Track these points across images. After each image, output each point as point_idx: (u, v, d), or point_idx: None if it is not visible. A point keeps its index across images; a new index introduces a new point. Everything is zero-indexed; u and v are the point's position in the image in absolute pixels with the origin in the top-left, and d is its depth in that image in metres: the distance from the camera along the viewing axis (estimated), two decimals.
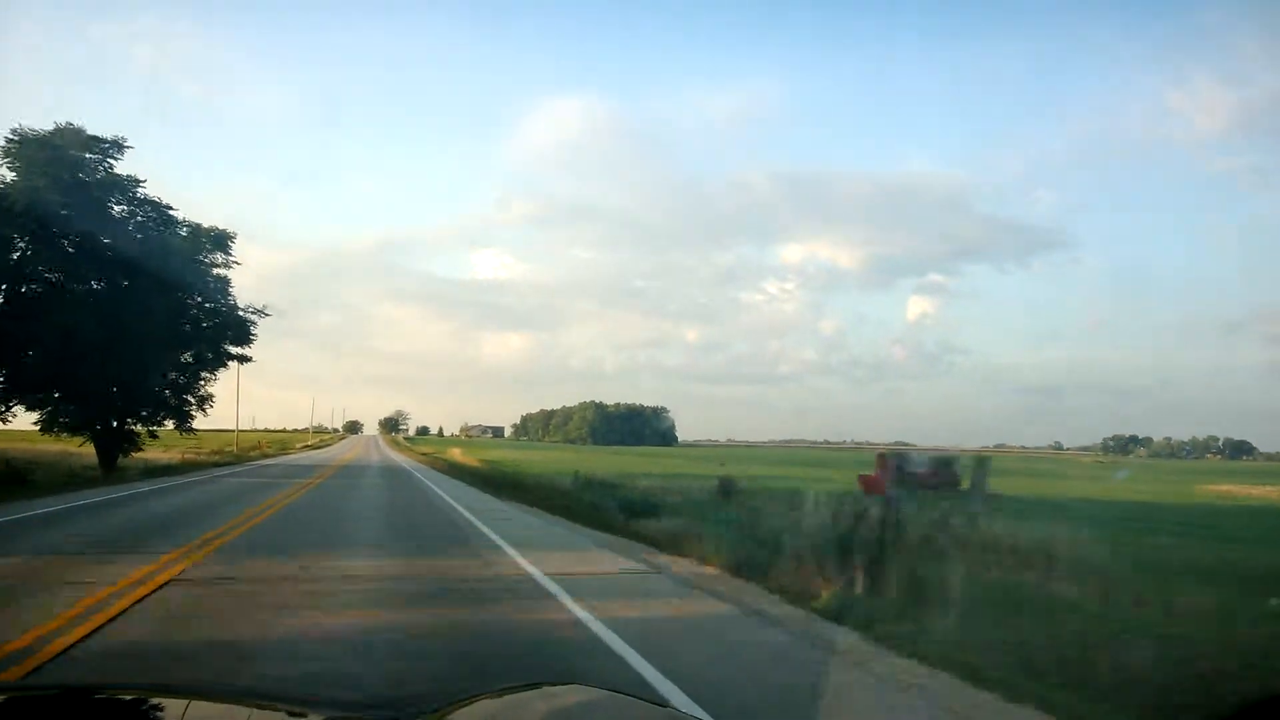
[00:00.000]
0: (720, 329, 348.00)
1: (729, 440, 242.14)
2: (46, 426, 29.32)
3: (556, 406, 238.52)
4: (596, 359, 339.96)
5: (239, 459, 46.72)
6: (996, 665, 5.42)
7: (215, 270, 32.51)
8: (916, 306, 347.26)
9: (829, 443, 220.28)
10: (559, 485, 27.22)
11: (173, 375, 32.54)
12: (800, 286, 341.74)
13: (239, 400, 73.91)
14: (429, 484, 27.05)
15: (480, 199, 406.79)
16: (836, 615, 7.03)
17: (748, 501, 21.95)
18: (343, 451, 79.25)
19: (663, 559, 10.63)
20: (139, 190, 28.19)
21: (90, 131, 25.89)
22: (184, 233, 31.53)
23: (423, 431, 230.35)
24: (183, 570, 8.74)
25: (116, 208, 27.69)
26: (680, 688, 4.93)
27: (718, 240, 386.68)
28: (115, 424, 30.90)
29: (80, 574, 8.33)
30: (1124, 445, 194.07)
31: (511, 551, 10.88)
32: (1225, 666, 5.57)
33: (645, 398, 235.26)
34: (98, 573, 8.35)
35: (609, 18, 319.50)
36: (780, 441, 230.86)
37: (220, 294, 32.90)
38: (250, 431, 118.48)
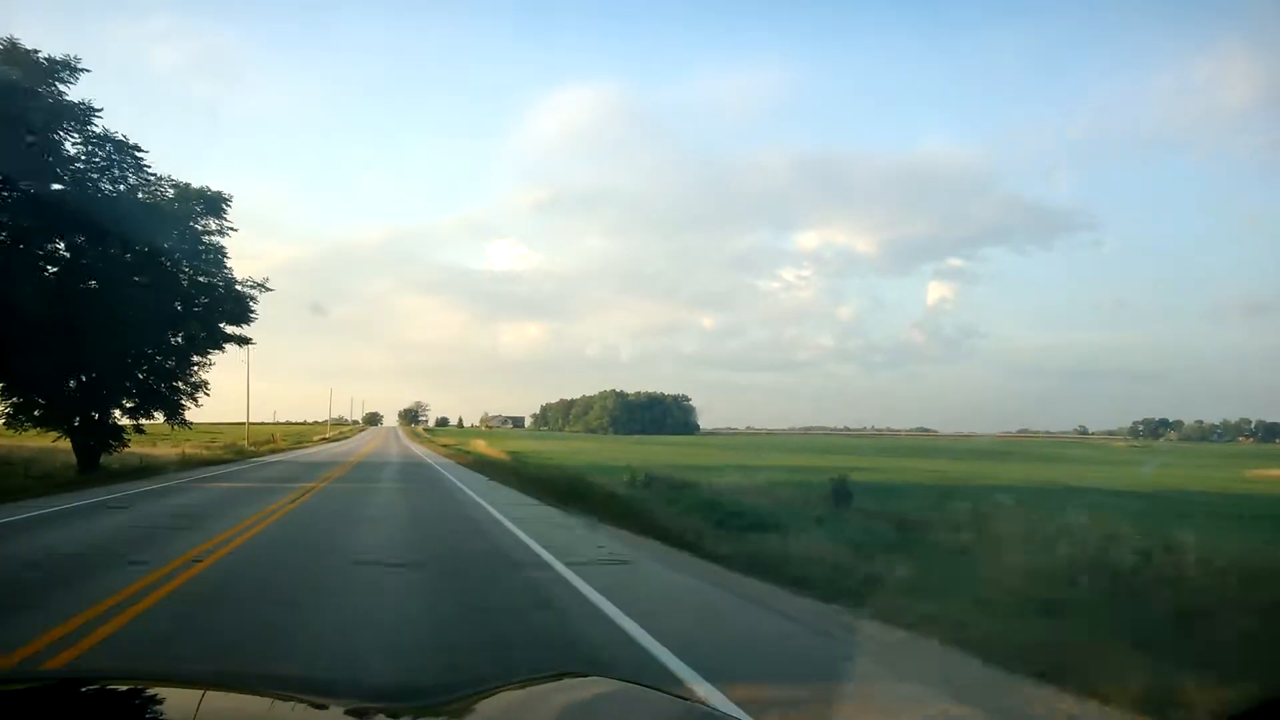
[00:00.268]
0: (737, 315, 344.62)
1: (748, 428, 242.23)
2: (11, 421, 25.22)
3: (574, 396, 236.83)
4: (612, 347, 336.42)
5: (243, 454, 42.31)
6: None
7: (208, 238, 28.20)
8: (936, 291, 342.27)
9: (849, 429, 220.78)
10: (612, 484, 22.82)
11: (159, 359, 28.21)
12: (817, 272, 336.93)
13: (249, 391, 69.74)
14: (462, 487, 22.22)
15: (493, 189, 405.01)
16: None
17: (870, 508, 17.32)
18: (360, 445, 75.23)
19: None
20: (95, 122, 22.47)
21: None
22: (170, 193, 27.24)
23: (442, 423, 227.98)
24: None
25: (70, 145, 22.52)
26: None
27: (734, 226, 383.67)
28: (95, 417, 26.75)
29: None
30: (1154, 429, 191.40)
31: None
32: None
33: (661, 385, 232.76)
34: None
35: (619, 1, 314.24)
36: (800, 429, 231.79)
37: (214, 265, 28.55)
38: (265, 424, 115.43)
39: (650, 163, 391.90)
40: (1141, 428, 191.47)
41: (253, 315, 29.73)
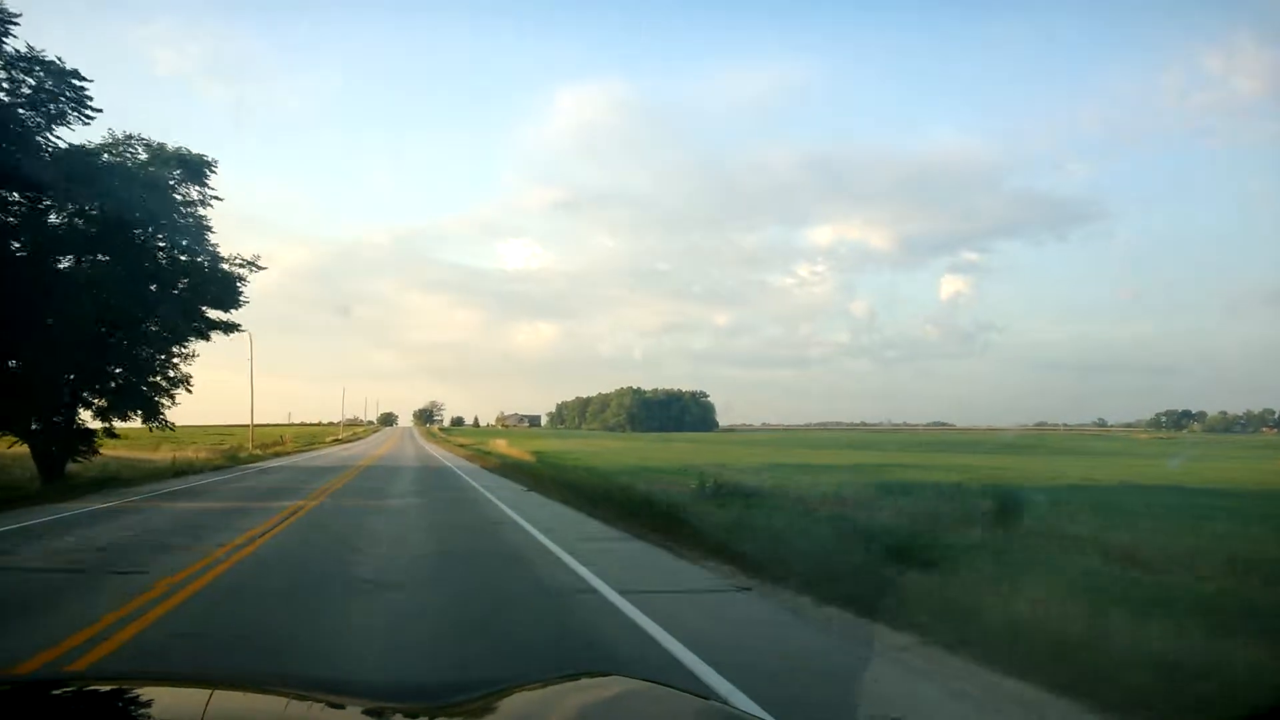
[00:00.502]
0: (749, 312, 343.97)
1: (764, 425, 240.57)
2: None
3: (589, 393, 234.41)
4: (625, 345, 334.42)
5: (237, 460, 37.94)
6: None
7: (189, 210, 24.01)
8: (950, 285, 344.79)
9: (866, 424, 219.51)
10: (673, 491, 18.53)
11: (132, 350, 24.05)
12: (831, 268, 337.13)
13: (253, 392, 65.66)
14: (497, 503, 16.94)
15: (504, 188, 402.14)
16: None
17: (1035, 526, 12.82)
18: (373, 446, 71.16)
19: None
20: (12, 34, 17.48)
21: None
22: (142, 155, 23.08)
23: (457, 422, 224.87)
24: None
25: None
26: None
27: (746, 222, 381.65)
28: (57, 420, 22.69)
29: None
30: (1176, 420, 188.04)
31: None
32: None
33: (674, 383, 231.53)
34: None
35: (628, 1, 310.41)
36: (816, 424, 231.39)
37: (195, 240, 24.37)
38: (275, 426, 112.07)
39: (661, 160, 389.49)
40: (1164, 420, 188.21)
41: (242, 299, 25.54)
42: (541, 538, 11.52)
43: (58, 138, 19.12)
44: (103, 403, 23.75)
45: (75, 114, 18.94)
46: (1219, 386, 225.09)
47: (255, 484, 23.86)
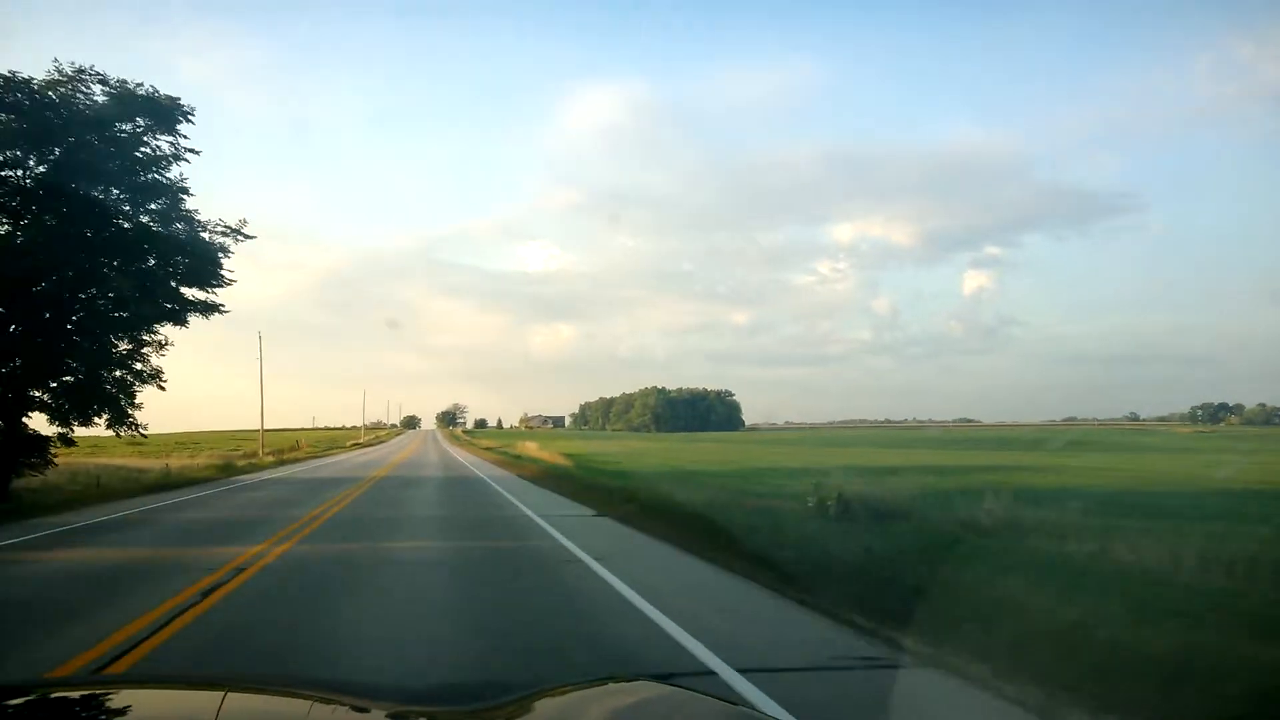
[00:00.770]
0: (770, 311, 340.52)
1: (786, 423, 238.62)
2: None
3: (612, 394, 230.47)
4: (646, 345, 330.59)
5: (230, 471, 32.92)
6: None
7: (157, 171, 19.49)
8: (973, 280, 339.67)
9: (889, 421, 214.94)
10: (777, 508, 13.87)
11: (86, 341, 19.51)
12: (853, 265, 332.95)
13: (263, 395, 62.25)
14: (577, 552, 10.35)
15: (526, 192, 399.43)
16: None
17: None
18: (394, 451, 66.81)
19: None
20: None
21: None
22: (100, 97, 18.58)
23: (480, 424, 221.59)
24: None
25: None
26: None
27: (766, 221, 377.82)
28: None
29: None
30: (1213, 414, 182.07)
31: None
32: None
33: (695, 382, 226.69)
34: None
35: (644, 1, 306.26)
36: (840, 422, 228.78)
37: (168, 202, 19.85)
38: (291, 431, 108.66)
39: (681, 160, 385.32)
40: (1200, 413, 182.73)
41: (226, 277, 20.89)
42: (663, 620, 6.52)
43: None
44: (53, 402, 19.24)
45: None
46: (1256, 377, 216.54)
47: (238, 505, 18.78)
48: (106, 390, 19.72)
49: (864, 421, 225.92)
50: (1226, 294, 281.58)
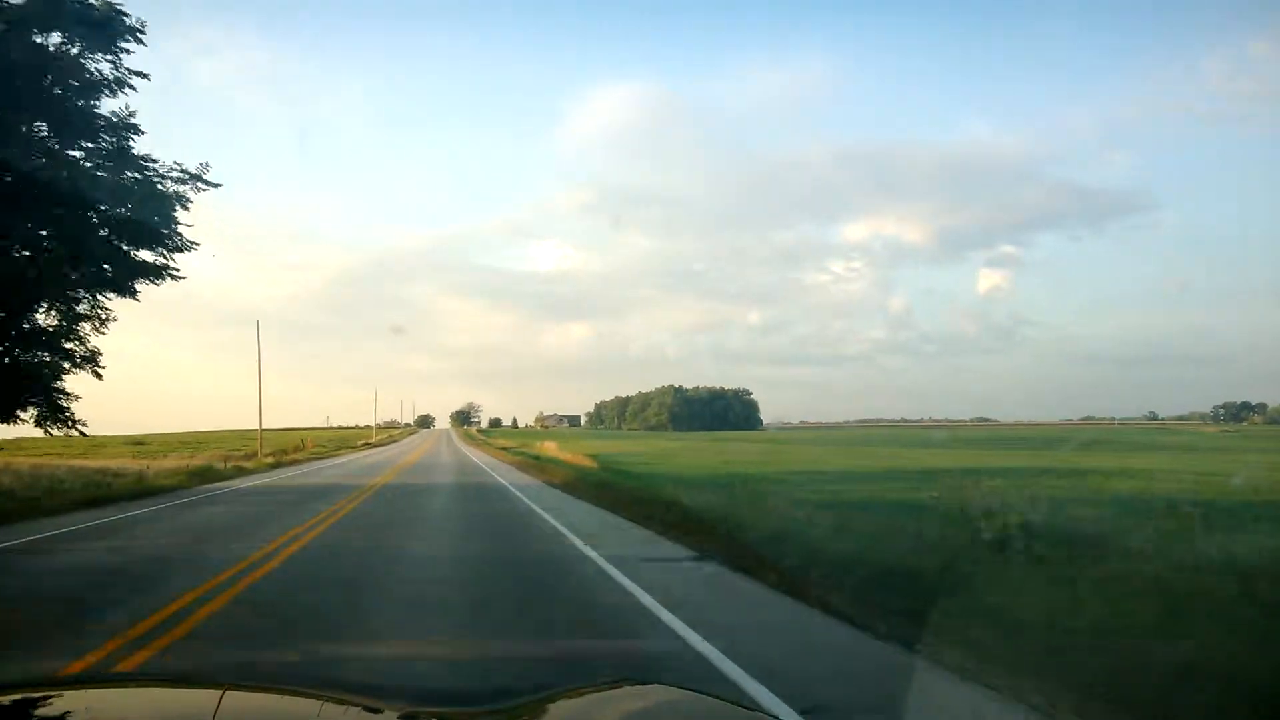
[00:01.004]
0: (784, 310, 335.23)
1: (802, 422, 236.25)
2: None
3: (625, 392, 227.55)
4: (658, 344, 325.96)
5: (205, 476, 27.13)
6: None
7: (88, 98, 15.32)
8: (988, 279, 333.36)
9: (906, 420, 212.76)
10: (944, 542, 9.45)
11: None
12: (867, 264, 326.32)
13: (261, 391, 57.57)
14: (662, 615, 6.45)
15: (537, 191, 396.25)
16: None
17: None
18: (405, 451, 62.71)
19: None
20: None
21: None
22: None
23: (495, 423, 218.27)
24: None
25: None
26: None
27: (779, 220, 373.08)
28: None
29: None
30: (1235, 413, 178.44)
31: None
32: None
33: (709, 381, 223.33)
34: None
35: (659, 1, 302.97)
36: (855, 421, 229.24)
37: (112, 141, 15.66)
38: (299, 430, 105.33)
39: (693, 160, 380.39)
40: (1223, 412, 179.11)
41: (181, 233, 16.64)
42: None
43: None
44: None
45: None
46: (1275, 376, 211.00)
47: (176, 529, 13.18)
48: (29, 379, 15.53)
49: (879, 421, 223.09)
50: (1243, 292, 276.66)
